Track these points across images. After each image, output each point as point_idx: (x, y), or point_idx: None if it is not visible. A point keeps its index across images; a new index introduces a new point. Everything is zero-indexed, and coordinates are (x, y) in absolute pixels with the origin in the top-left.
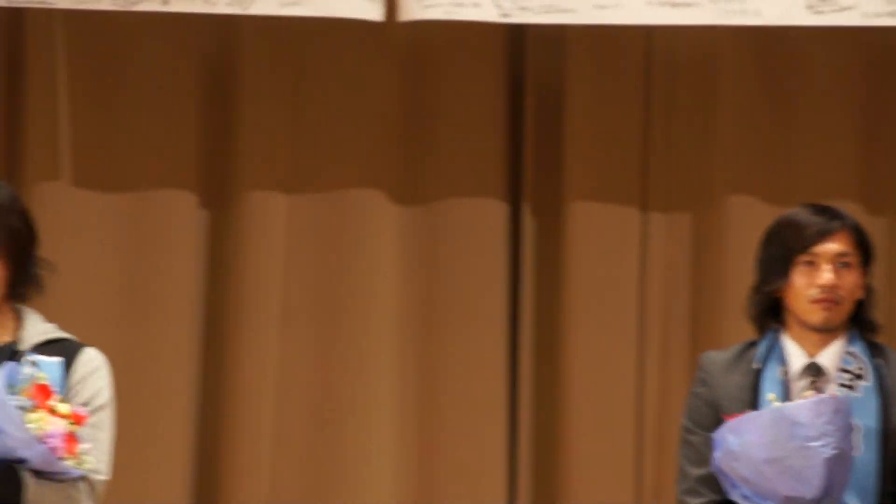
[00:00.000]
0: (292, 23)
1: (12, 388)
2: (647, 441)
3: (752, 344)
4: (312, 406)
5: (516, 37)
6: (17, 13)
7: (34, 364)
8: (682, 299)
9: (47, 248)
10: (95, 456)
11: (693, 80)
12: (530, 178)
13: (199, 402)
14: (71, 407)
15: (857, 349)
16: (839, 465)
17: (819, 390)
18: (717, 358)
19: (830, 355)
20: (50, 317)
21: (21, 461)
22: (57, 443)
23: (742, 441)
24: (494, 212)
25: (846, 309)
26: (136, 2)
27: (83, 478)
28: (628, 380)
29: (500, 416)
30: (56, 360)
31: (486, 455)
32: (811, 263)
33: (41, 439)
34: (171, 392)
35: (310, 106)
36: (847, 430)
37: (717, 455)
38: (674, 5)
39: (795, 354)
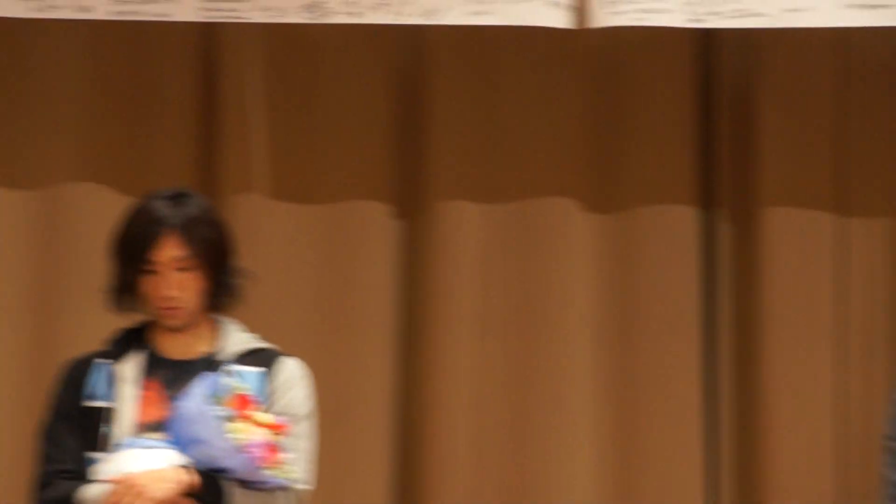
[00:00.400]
0: (481, 32)
1: (214, 398)
2: (849, 448)
3: None
4: (508, 414)
5: (705, 42)
6: (212, 27)
7: (235, 374)
8: (883, 305)
9: (244, 259)
10: (297, 465)
11: (891, 80)
12: (723, 183)
13: (396, 411)
14: (272, 417)
15: None
16: None
17: None
18: None
19: None
20: (251, 327)
21: (224, 471)
22: (258, 452)
23: None
24: (687, 218)
25: None
26: (328, 14)
27: (286, 487)
28: (826, 385)
29: (696, 422)
30: (257, 371)
31: (682, 460)
32: None
33: (243, 449)
34: (367, 402)
35: (500, 115)
36: None
37: None
38: (867, 7)
39: None
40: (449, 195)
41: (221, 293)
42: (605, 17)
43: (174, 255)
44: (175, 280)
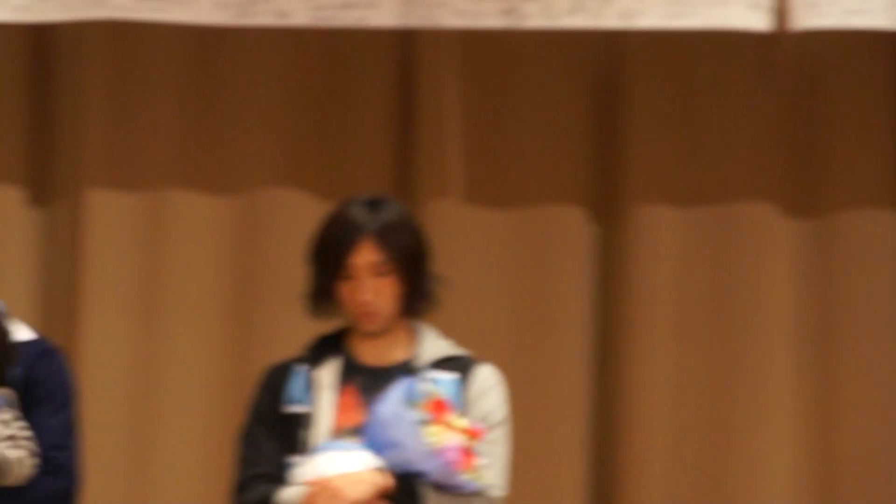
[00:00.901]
0: (679, 36)
1: (410, 402)
2: None
3: None
4: (707, 419)
5: None
6: (408, 32)
7: (431, 380)
8: None
9: (440, 264)
10: (492, 471)
11: None
12: None
13: (592, 417)
14: (468, 422)
15: None
16: None
17: None
18: None
19: None
20: (446, 333)
21: (419, 474)
22: (454, 456)
23: None
24: (888, 222)
25: None
26: (524, 19)
27: (480, 492)
28: None
29: None
30: (452, 377)
31: (886, 462)
32: None
33: (439, 453)
34: (563, 408)
35: (697, 119)
36: None
37: None
38: None
39: None
40: (646, 200)
41: (417, 299)
42: (807, 18)
43: (371, 260)
44: (372, 285)
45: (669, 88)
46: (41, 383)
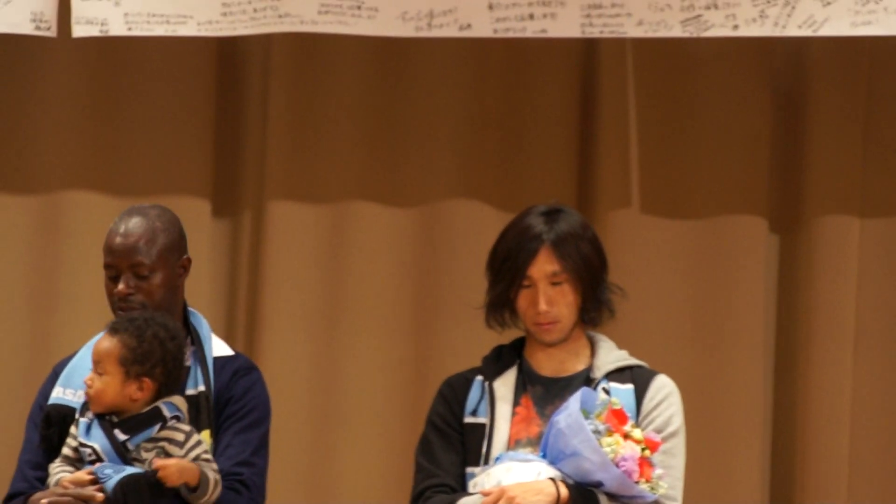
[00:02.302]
0: (861, 43)
1: (587, 412)
2: None
3: None
4: (886, 428)
5: None
6: (592, 43)
7: (607, 391)
8: None
9: (619, 274)
10: (668, 482)
11: None
12: None
13: (771, 426)
14: (644, 433)
15: None
16: None
17: None
18: None
19: None
20: (622, 343)
21: (597, 485)
22: (631, 466)
23: None
24: None
25: None
26: (706, 28)
27: (657, 502)
28: None
29: None
30: (628, 387)
31: None
32: None
33: (616, 463)
34: (741, 417)
35: (879, 127)
36: None
37: None
38: None
39: None
40: (828, 210)
41: (595, 309)
42: None
43: (549, 269)
44: (549, 294)
45: (851, 95)
46: (236, 400)
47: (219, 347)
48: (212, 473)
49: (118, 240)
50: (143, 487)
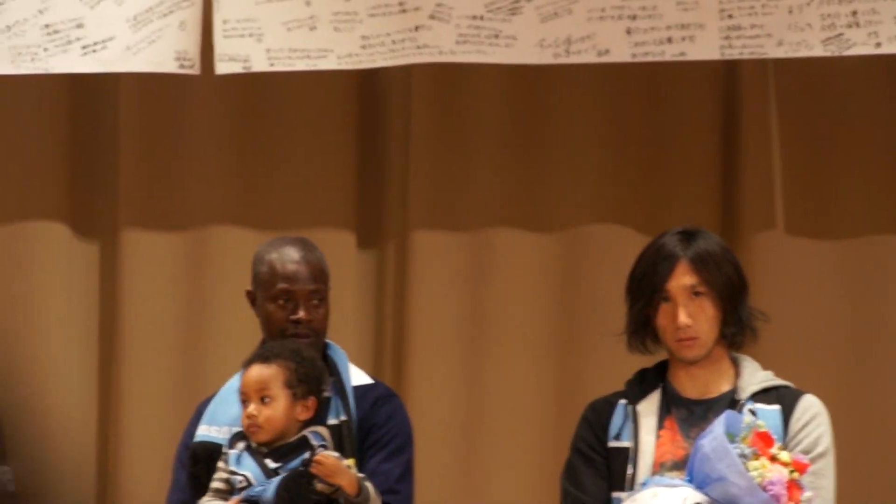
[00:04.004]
0: None
1: (733, 435)
2: None
3: None
4: None
5: None
6: (732, 64)
7: (753, 412)
8: None
9: (765, 296)
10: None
11: None
12: None
13: None
14: (792, 455)
15: None
16: None
17: None
18: None
19: None
20: (767, 367)
21: None
22: (779, 490)
23: None
24: None
25: None
26: (849, 47)
27: None
28: None
29: None
30: (774, 408)
31: None
32: None
33: (763, 487)
34: (893, 437)
35: None
36: None
37: None
38: None
39: None
40: None
41: (736, 328)
42: None
43: (686, 282)
44: (689, 308)
45: None
46: (378, 427)
47: (357, 377)
48: (371, 485)
49: (293, 267)
50: (303, 482)
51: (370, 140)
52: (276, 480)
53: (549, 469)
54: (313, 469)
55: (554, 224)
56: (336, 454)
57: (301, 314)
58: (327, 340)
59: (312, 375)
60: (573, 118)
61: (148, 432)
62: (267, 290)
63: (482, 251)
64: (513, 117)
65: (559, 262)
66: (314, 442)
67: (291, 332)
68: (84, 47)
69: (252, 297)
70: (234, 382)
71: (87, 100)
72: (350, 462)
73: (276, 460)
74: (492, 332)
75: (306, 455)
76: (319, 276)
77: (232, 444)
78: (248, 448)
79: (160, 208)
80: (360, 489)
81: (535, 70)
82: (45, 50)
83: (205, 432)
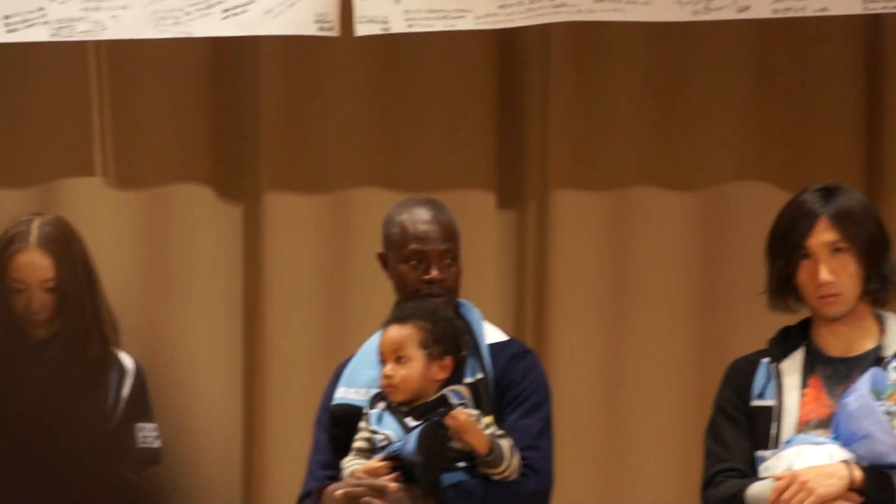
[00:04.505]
0: None
1: (879, 393)
2: None
3: None
4: None
5: None
6: (876, 20)
7: None
8: None
9: None
10: None
11: None
12: None
13: None
14: None
15: None
16: None
17: None
18: None
19: None
20: None
21: (891, 466)
22: None
23: None
24: None
25: None
26: None
27: None
28: None
29: None
30: None
31: None
32: None
33: None
34: None
35: None
36: None
37: None
38: None
39: None
40: None
41: (880, 285)
42: None
43: (827, 238)
44: (830, 264)
45: None
46: (515, 384)
47: (492, 334)
48: (506, 442)
49: (424, 227)
50: (442, 432)
51: (509, 100)
52: (414, 433)
53: (692, 429)
54: (446, 422)
55: (695, 182)
56: (475, 412)
57: (434, 274)
58: (460, 299)
59: (448, 335)
60: (713, 75)
61: (290, 393)
62: (399, 251)
63: (623, 210)
64: (652, 75)
65: (701, 221)
66: (454, 400)
67: (424, 292)
68: (225, 11)
69: (384, 260)
70: (371, 344)
71: (228, 63)
72: (488, 420)
73: (416, 419)
74: (633, 291)
75: (442, 410)
76: (450, 235)
77: (373, 403)
78: (389, 407)
79: (302, 171)
80: (492, 449)
81: (674, 27)
82: (187, 14)
83: (343, 394)
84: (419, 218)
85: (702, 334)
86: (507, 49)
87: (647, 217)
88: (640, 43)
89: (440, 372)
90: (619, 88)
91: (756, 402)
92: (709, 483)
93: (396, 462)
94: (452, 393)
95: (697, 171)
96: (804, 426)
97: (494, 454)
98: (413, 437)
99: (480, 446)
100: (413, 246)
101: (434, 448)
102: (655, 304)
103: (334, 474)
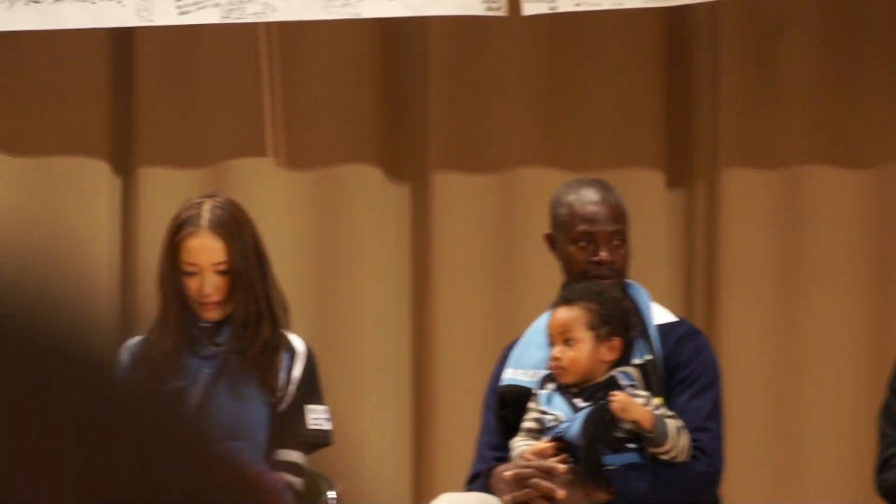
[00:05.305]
0: None
1: None
2: None
3: None
4: None
5: None
6: None
7: None
8: None
9: None
10: None
11: None
12: None
13: None
14: None
15: None
16: None
17: None
18: None
19: None
20: None
21: None
22: None
23: None
24: None
25: None
26: None
27: None
28: None
29: None
30: None
31: None
32: None
33: None
34: None
35: None
36: None
37: None
38: None
39: None
40: None
41: None
42: None
43: None
44: None
45: None
46: (684, 366)
47: (660, 315)
48: (672, 422)
49: (592, 208)
50: (606, 416)
51: (678, 77)
52: (579, 416)
53: (865, 411)
54: (610, 404)
55: (869, 161)
56: (645, 393)
57: (603, 255)
58: (628, 280)
59: (616, 316)
60: (889, 49)
61: (459, 374)
62: (567, 233)
63: (795, 189)
64: (826, 49)
65: (875, 200)
66: (623, 381)
67: (594, 273)
68: None
69: (552, 240)
70: (538, 325)
71: (397, 44)
72: (658, 401)
73: (585, 400)
74: (805, 272)
75: (604, 393)
76: (619, 216)
77: (542, 384)
78: (559, 388)
79: (470, 150)
80: (656, 426)
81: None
82: None
83: (511, 376)
84: (588, 199)
85: (877, 316)
86: (675, 26)
87: (819, 196)
88: (814, 16)
89: (608, 353)
90: (791, 65)
91: None
92: (883, 466)
93: (564, 444)
94: (622, 374)
95: (871, 149)
96: None
97: (658, 431)
98: (577, 420)
99: (644, 421)
100: (582, 227)
101: (596, 432)
102: (828, 285)
103: (502, 455)
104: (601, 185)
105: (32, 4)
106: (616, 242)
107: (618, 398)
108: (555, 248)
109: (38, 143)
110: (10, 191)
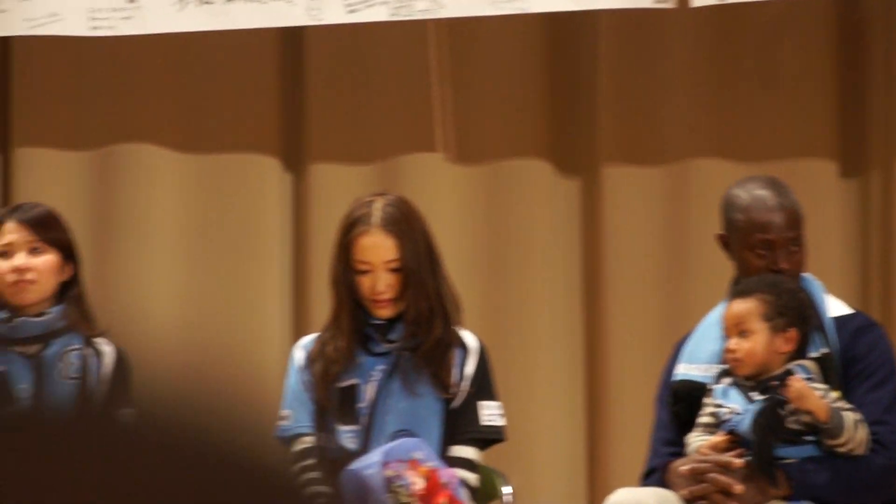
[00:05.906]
0: None
1: None
2: None
3: None
4: None
5: None
6: None
7: None
8: None
9: None
10: None
11: None
12: None
13: None
14: None
15: None
16: None
17: None
18: None
19: None
20: None
21: None
22: None
23: None
24: None
25: None
26: None
27: None
28: None
29: None
30: None
31: None
32: None
33: None
34: None
35: None
36: None
37: None
38: None
39: None
40: None
41: None
42: None
43: None
44: None
45: None
46: (861, 358)
47: (835, 307)
48: (850, 414)
49: (769, 216)
50: (777, 410)
51: (852, 66)
52: (750, 410)
53: None
54: (786, 390)
55: None
56: (823, 387)
57: (783, 265)
58: (802, 274)
59: (792, 307)
60: None
61: (631, 368)
62: (744, 239)
63: None
64: None
65: None
66: (800, 375)
67: (766, 280)
68: None
69: (725, 241)
70: (711, 318)
71: (566, 37)
72: (836, 394)
73: (761, 393)
74: None
75: (778, 384)
76: (796, 221)
77: (718, 378)
78: (735, 382)
79: (640, 143)
80: (832, 416)
81: None
82: None
83: (684, 371)
84: (764, 205)
85: None
86: (846, 14)
87: None
88: None
89: (785, 345)
90: None
91: None
92: None
93: (738, 437)
94: (799, 367)
95: None
96: None
97: (834, 422)
98: (749, 415)
99: (820, 412)
100: (759, 236)
101: (767, 425)
102: None
103: (677, 451)
104: (776, 187)
105: (204, 6)
106: (793, 248)
107: (794, 385)
108: (728, 248)
109: (212, 141)
110: (184, 188)
